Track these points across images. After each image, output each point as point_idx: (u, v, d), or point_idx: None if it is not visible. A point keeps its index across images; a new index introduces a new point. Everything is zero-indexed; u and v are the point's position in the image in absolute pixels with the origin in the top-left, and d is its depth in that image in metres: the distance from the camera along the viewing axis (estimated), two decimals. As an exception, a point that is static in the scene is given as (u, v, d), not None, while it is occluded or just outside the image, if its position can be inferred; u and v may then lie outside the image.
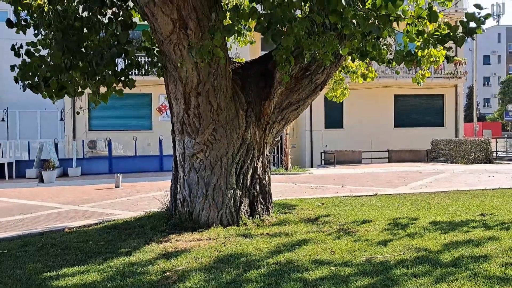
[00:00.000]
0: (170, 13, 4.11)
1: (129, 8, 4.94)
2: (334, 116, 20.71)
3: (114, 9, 4.76)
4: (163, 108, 18.49)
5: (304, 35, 3.84)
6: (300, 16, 4.27)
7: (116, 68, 4.47)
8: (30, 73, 4.24)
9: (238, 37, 7.27)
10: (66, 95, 4.37)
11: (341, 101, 9.26)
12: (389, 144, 19.99)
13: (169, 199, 5.65)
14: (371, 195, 7.91)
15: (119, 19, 4.70)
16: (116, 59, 4.45)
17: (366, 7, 3.33)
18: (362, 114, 20.56)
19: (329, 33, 4.17)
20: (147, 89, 17.10)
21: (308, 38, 3.92)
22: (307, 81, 5.86)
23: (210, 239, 4.55)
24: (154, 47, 4.84)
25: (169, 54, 4.52)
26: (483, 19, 3.08)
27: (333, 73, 6.49)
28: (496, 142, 21.29)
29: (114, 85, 4.54)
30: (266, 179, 5.62)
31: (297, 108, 6.08)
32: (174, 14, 4.13)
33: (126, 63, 4.58)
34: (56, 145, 14.98)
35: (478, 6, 3.02)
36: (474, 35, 3.39)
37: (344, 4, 3.16)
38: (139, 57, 4.93)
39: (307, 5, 4.26)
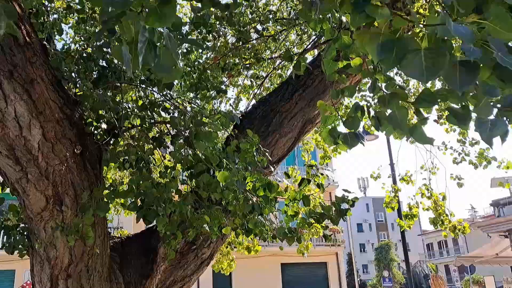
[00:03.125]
0: (44, 189, 3.82)
1: (-2, 182, 4.54)
2: (222, 288, 19.95)
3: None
4: (27, 286, 16.16)
5: (191, 210, 3.80)
6: (186, 189, 4.30)
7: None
8: None
9: (120, 210, 7.01)
10: None
11: (228, 273, 9.01)
12: (279, 316, 19.40)
13: None
14: None
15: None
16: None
17: (247, 188, 3.47)
18: (251, 285, 20.10)
19: (215, 207, 4.20)
20: (11, 264, 15.05)
21: (194, 213, 3.88)
22: (193, 256, 5.63)
23: None
24: (20, 223, 4.37)
25: (39, 232, 4.08)
26: (353, 202, 3.37)
27: (219, 247, 6.39)
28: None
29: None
30: None
31: (182, 286, 5.69)
32: (49, 191, 3.85)
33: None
34: None
35: (346, 190, 3.33)
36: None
37: (222, 188, 3.27)
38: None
39: (193, 180, 4.34)
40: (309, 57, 6.24)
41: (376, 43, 1.36)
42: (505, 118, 1.36)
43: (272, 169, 4.24)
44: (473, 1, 1.32)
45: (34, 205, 4.09)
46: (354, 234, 52.84)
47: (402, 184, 7.02)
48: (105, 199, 3.89)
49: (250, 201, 3.50)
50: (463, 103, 1.42)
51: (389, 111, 1.56)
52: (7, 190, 4.67)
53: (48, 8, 4.86)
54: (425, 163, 6.62)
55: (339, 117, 1.92)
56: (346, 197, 3.29)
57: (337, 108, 2.00)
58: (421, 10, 4.20)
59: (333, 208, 3.35)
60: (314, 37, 5.88)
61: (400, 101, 1.53)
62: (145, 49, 1.32)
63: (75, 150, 3.96)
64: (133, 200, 3.61)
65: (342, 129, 1.93)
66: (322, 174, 4.30)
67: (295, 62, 2.63)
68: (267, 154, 3.90)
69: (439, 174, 8.35)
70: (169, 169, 4.11)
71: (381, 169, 7.23)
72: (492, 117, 1.35)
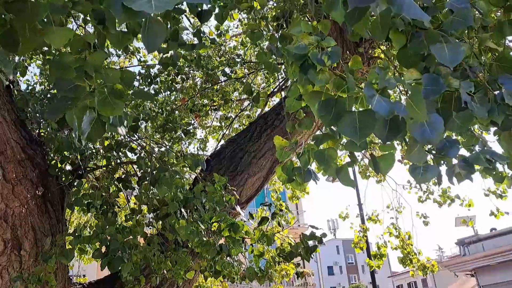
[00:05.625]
0: (2, 233, 3.64)
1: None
2: (190, 338, 19.07)
3: None
4: None
5: (156, 253, 3.68)
6: (152, 233, 4.18)
7: None
8: None
9: (83, 256, 6.72)
10: None
11: (197, 321, 8.66)
12: None
13: None
14: None
15: None
16: None
17: (212, 229, 3.42)
18: (220, 333, 19.34)
19: (181, 250, 4.08)
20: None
21: (160, 256, 3.76)
22: (159, 302, 5.42)
23: None
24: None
25: (-7, 280, 3.85)
26: (320, 238, 3.36)
27: (187, 291, 6.17)
28: None
29: None
30: None
31: (147, 335, 5.41)
32: (7, 234, 3.67)
33: None
34: None
35: (313, 227, 3.33)
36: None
37: (188, 231, 3.22)
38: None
39: (159, 223, 4.24)
40: (276, 99, 6.37)
41: (318, 101, 1.51)
42: (442, 162, 1.45)
43: (239, 209, 4.20)
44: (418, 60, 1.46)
45: (-10, 250, 3.87)
46: (325, 277, 52.15)
47: (370, 223, 7.07)
48: (68, 245, 3.72)
49: (218, 243, 3.44)
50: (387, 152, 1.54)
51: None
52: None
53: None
54: (391, 202, 6.73)
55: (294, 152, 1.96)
56: (313, 234, 3.29)
57: (294, 144, 2.04)
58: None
59: (302, 246, 3.33)
60: (281, 80, 6.04)
61: (330, 142, 1.63)
62: (92, 126, 1.48)
63: (37, 192, 3.83)
64: (98, 248, 3.48)
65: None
66: (281, 210, 4.28)
67: (255, 94, 2.69)
68: (235, 193, 3.88)
69: (405, 213, 8.49)
70: (134, 213, 4.01)
71: (349, 208, 7.29)
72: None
